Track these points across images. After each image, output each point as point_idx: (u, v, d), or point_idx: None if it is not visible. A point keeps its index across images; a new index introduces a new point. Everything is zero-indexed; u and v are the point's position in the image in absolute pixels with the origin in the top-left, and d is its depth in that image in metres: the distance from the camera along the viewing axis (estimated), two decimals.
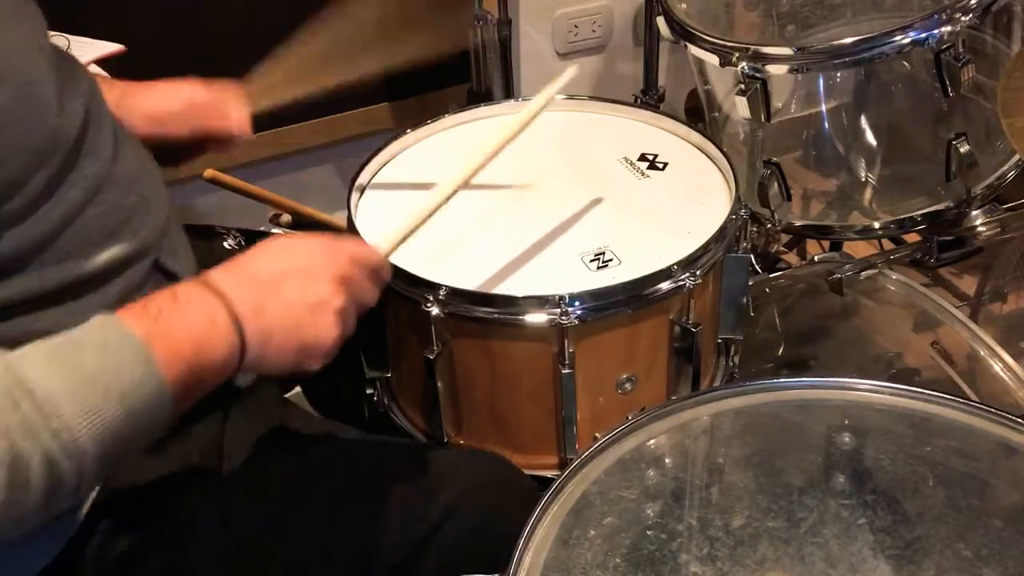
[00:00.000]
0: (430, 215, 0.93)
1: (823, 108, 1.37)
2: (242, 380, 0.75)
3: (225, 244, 1.20)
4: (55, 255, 0.76)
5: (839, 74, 1.31)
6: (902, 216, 1.36)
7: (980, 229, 1.43)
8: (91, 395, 0.62)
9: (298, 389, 1.29)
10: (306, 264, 0.77)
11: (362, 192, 1.17)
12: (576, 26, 2.08)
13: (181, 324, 0.69)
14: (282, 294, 0.74)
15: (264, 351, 0.73)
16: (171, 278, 0.87)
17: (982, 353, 1.34)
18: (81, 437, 0.62)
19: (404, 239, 0.90)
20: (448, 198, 0.95)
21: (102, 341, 0.65)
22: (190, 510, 0.87)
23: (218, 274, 0.73)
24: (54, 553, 0.79)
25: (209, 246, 1.15)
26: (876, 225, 1.39)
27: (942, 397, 0.88)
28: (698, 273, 1.01)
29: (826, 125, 1.39)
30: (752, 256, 1.40)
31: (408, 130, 1.26)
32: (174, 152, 1.02)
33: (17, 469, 0.59)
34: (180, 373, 0.67)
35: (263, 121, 1.12)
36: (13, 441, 0.59)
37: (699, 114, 1.53)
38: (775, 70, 1.24)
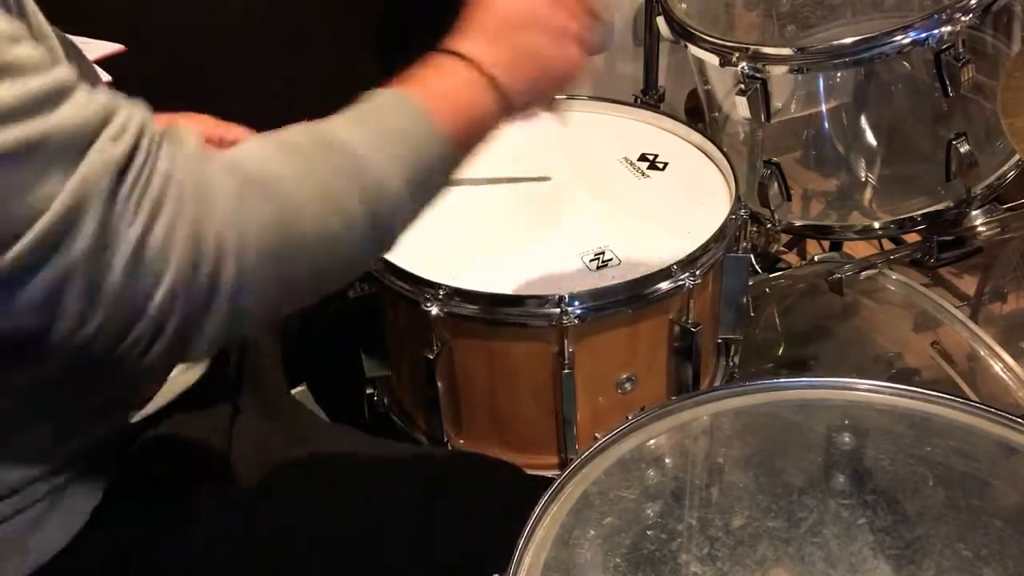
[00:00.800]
0: None
1: (823, 108, 1.37)
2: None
3: None
4: None
5: (839, 74, 1.31)
6: (902, 216, 1.36)
7: (980, 229, 1.43)
8: (395, 146, 0.69)
9: (303, 388, 1.29)
10: (541, 5, 0.81)
11: None
12: None
13: (447, 90, 0.74)
14: (526, 42, 0.79)
15: (525, 95, 0.79)
16: None
17: (982, 353, 1.34)
18: (394, 183, 0.68)
19: None
20: None
21: (392, 108, 0.72)
22: (198, 500, 0.88)
23: (467, 41, 0.77)
24: (65, 540, 0.80)
25: None
26: (876, 225, 1.38)
27: (942, 397, 0.88)
28: (698, 273, 1.01)
29: (826, 125, 1.39)
30: (752, 256, 1.40)
31: None
32: None
33: (345, 222, 0.65)
34: (457, 127, 0.73)
35: (263, 121, 1.12)
36: (357, 190, 0.66)
37: (699, 114, 1.53)
38: (775, 70, 1.24)
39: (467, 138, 0.75)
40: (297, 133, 0.68)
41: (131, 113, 0.61)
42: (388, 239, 0.72)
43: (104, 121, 0.59)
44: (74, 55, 0.79)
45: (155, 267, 0.58)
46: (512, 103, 0.78)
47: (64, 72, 0.59)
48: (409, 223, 0.73)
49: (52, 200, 0.56)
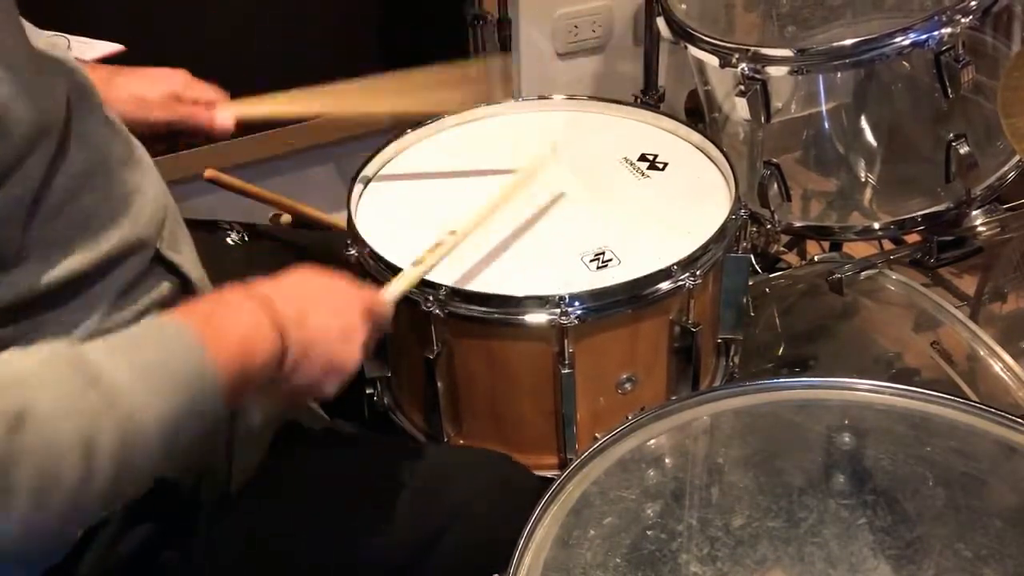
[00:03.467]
0: (428, 270, 0.98)
1: (823, 108, 1.37)
2: (255, 419, 0.78)
3: (228, 240, 1.20)
4: (56, 246, 0.76)
5: (839, 75, 1.31)
6: (902, 217, 1.36)
7: (980, 229, 1.43)
8: (155, 384, 0.64)
9: None
10: (339, 293, 0.82)
11: (362, 192, 1.17)
12: (576, 26, 2.08)
13: (229, 325, 0.71)
14: (320, 312, 0.78)
15: (300, 360, 0.75)
16: (173, 270, 0.87)
17: (982, 353, 1.34)
18: (146, 424, 0.63)
19: (405, 291, 0.95)
20: (447, 253, 0.99)
21: (161, 335, 0.68)
22: (197, 508, 0.88)
23: (260, 286, 0.76)
24: (66, 547, 0.79)
25: (212, 240, 1.15)
26: (876, 226, 1.39)
27: (942, 397, 0.88)
28: (698, 273, 1.01)
29: (826, 125, 1.39)
30: (752, 256, 1.40)
31: (408, 130, 1.26)
32: (151, 139, 1.02)
33: (88, 454, 0.60)
34: (230, 370, 0.69)
35: (263, 122, 1.12)
36: (83, 426, 0.60)
37: (699, 114, 1.53)
38: (775, 71, 1.24)
39: (238, 385, 0.70)
40: (58, 360, 0.63)
41: None
42: (127, 489, 0.65)
43: None
44: (63, 70, 0.79)
45: None
46: (290, 366, 0.74)
47: None
48: (157, 471, 0.67)
49: None
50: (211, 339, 0.69)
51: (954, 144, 1.25)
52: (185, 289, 0.89)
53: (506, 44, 1.93)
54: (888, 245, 1.59)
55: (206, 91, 1.09)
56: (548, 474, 1.06)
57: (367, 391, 1.17)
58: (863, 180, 1.40)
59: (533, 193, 1.17)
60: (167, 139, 1.08)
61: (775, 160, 1.34)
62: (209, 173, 1.29)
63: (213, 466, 0.90)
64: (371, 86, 1.17)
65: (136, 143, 0.90)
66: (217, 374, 0.68)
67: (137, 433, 0.62)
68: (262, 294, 0.75)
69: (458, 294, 0.99)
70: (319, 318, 0.77)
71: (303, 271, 0.82)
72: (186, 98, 1.07)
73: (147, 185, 0.87)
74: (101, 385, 0.61)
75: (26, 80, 0.70)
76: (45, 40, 0.78)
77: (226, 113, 1.08)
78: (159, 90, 1.05)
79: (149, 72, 1.07)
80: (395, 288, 0.93)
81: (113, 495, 0.63)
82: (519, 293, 0.98)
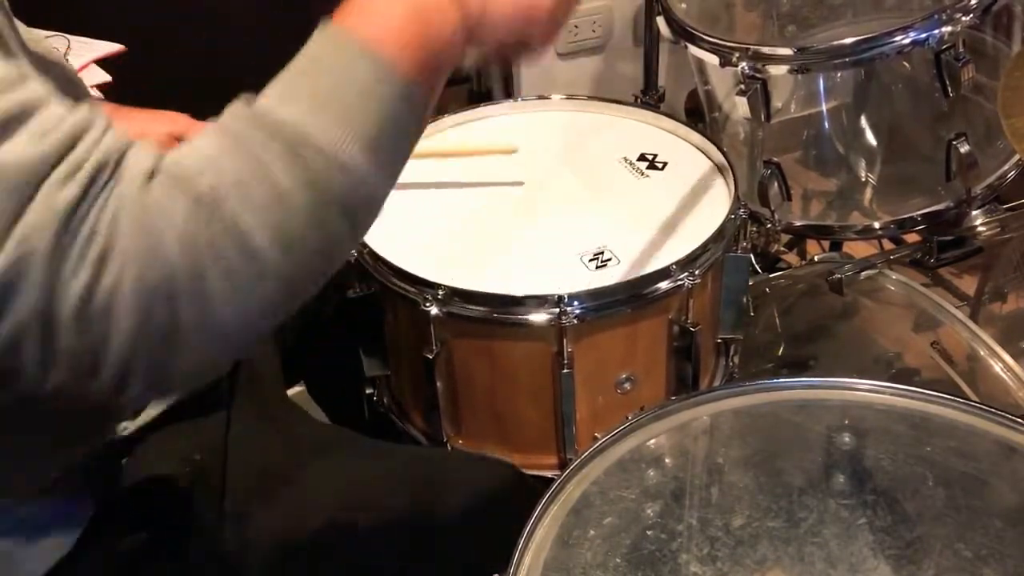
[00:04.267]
0: None
1: (823, 108, 1.37)
2: (468, 60, 0.72)
3: None
4: None
5: (839, 74, 1.31)
6: (902, 216, 1.36)
7: (980, 229, 1.43)
8: (344, 111, 0.61)
9: (301, 388, 1.29)
10: None
11: None
12: (576, 26, 2.08)
13: (396, 11, 0.65)
14: None
15: (485, 16, 0.68)
16: None
17: (982, 353, 1.34)
18: (346, 146, 0.61)
19: None
20: None
21: (331, 59, 0.64)
22: (193, 510, 0.87)
23: None
24: (60, 554, 0.79)
25: None
26: (876, 225, 1.38)
27: (942, 397, 0.88)
28: (697, 273, 1.01)
29: (826, 125, 1.39)
30: (752, 256, 1.40)
31: None
32: None
33: (322, 218, 0.60)
34: (414, 58, 0.64)
35: None
36: (307, 182, 0.59)
37: (699, 114, 1.53)
38: (775, 70, 1.24)
39: (430, 69, 0.66)
40: (240, 120, 0.62)
41: (99, 139, 0.57)
42: (365, 218, 0.65)
43: (61, 154, 0.55)
44: (54, 70, 0.77)
45: (104, 320, 0.55)
46: (475, 25, 0.68)
47: (29, 91, 0.56)
48: (387, 188, 0.66)
49: None
50: (383, 37, 0.63)
51: (954, 143, 1.25)
52: None
53: None
54: (888, 245, 1.59)
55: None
56: (548, 474, 1.06)
57: (367, 391, 1.17)
58: (863, 180, 1.40)
59: (534, 193, 1.17)
60: None
61: (775, 160, 1.33)
62: None
63: (208, 473, 0.90)
64: None
65: None
66: (403, 73, 0.63)
67: (350, 168, 0.61)
68: None
69: (458, 294, 0.99)
70: None
71: None
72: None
73: None
74: (282, 133, 0.60)
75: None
76: (42, 45, 0.77)
77: None
78: (161, 130, 1.03)
79: (151, 112, 1.05)
80: None
81: (359, 219, 0.64)
82: (519, 293, 0.98)
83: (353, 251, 1.07)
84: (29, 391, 0.58)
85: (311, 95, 0.62)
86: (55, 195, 0.54)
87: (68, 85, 0.78)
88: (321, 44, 0.65)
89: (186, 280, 0.56)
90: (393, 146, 0.65)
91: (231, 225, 0.58)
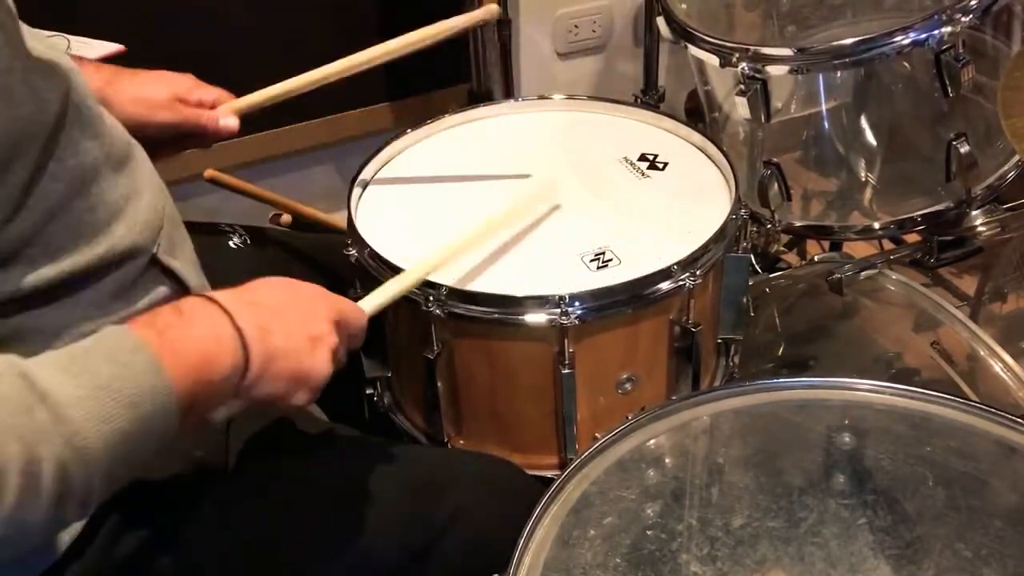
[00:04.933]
0: (412, 285, 0.97)
1: (823, 108, 1.37)
2: (220, 414, 0.76)
3: (230, 243, 1.20)
4: (46, 251, 0.75)
5: (839, 74, 1.31)
6: (902, 216, 1.36)
7: (980, 229, 1.43)
8: (104, 402, 0.62)
9: None
10: (307, 301, 0.80)
11: (362, 192, 1.17)
12: (576, 26, 2.08)
13: (187, 337, 0.69)
14: (285, 321, 0.76)
15: (263, 373, 0.73)
16: (170, 275, 0.87)
17: (982, 353, 1.34)
18: (93, 444, 0.61)
19: (384, 304, 0.93)
20: (432, 270, 0.99)
21: (114, 350, 0.66)
22: (194, 509, 0.87)
23: (222, 295, 0.74)
24: (59, 552, 0.79)
25: (214, 244, 1.15)
26: (876, 225, 1.38)
27: (942, 397, 0.88)
28: (698, 273, 1.01)
29: (826, 125, 1.39)
30: (752, 256, 1.40)
31: (408, 130, 1.26)
32: (155, 143, 1.02)
33: (30, 474, 0.59)
34: (187, 386, 0.67)
35: (263, 121, 1.12)
36: (27, 445, 0.58)
37: (699, 114, 1.53)
38: (775, 71, 1.24)
39: (196, 400, 0.68)
40: (5, 376, 0.61)
41: None
42: (72, 510, 0.63)
43: None
44: (53, 71, 0.77)
45: None
46: (253, 378, 0.72)
47: None
48: (104, 493, 0.65)
49: None
50: (167, 354, 0.66)
51: (954, 143, 1.25)
52: (183, 293, 0.88)
53: (506, 44, 1.93)
54: (888, 245, 1.59)
55: (211, 93, 1.07)
56: (548, 474, 1.06)
57: (367, 391, 1.17)
58: (863, 180, 1.40)
59: (533, 194, 1.17)
60: (172, 143, 1.06)
61: (775, 160, 1.34)
62: (209, 173, 1.29)
63: (209, 469, 0.90)
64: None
65: (135, 146, 0.89)
66: (171, 392, 0.66)
67: (83, 452, 0.61)
68: (224, 303, 0.72)
69: (458, 294, 0.99)
70: (284, 327, 0.75)
71: (269, 279, 0.80)
72: (191, 100, 1.05)
73: (144, 190, 0.86)
74: (47, 403, 0.60)
75: (9, 86, 0.70)
76: (44, 43, 0.77)
77: (228, 111, 1.07)
78: (164, 91, 1.03)
79: (154, 74, 1.05)
80: (373, 300, 0.91)
81: (57, 514, 0.61)
82: (519, 293, 0.98)
83: (354, 251, 1.07)
84: None
85: (89, 382, 0.63)
86: None
87: (70, 95, 0.78)
88: (116, 341, 0.67)
89: None
90: (136, 457, 0.66)
91: None
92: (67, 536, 0.80)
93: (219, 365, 0.70)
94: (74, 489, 0.61)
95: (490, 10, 1.24)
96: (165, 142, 1.04)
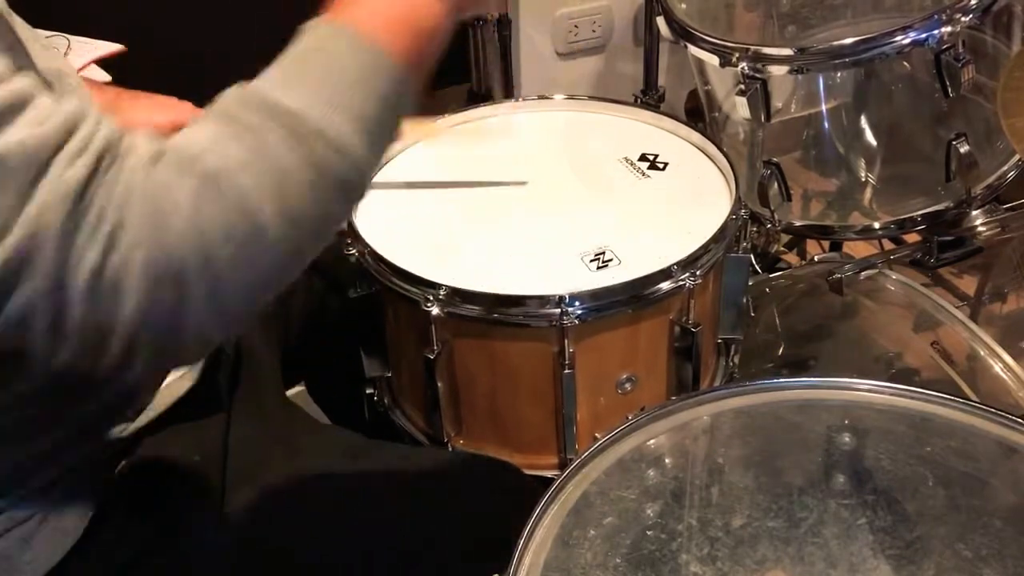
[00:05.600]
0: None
1: (823, 108, 1.37)
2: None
3: None
4: None
5: (839, 74, 1.31)
6: (902, 216, 1.36)
7: (980, 229, 1.43)
8: (331, 91, 0.64)
9: (301, 389, 1.29)
10: None
11: None
12: (576, 26, 2.08)
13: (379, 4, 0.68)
14: None
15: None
16: None
17: (982, 353, 1.34)
18: (343, 128, 0.63)
19: None
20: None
21: (328, 45, 0.66)
22: (193, 512, 0.87)
23: None
24: (58, 556, 0.79)
25: None
26: (876, 225, 1.38)
27: (942, 397, 0.88)
28: (698, 273, 1.01)
29: (826, 125, 1.39)
30: (752, 256, 1.40)
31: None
32: None
33: (322, 181, 0.62)
34: (401, 44, 0.67)
35: None
36: (309, 163, 0.61)
37: (699, 114, 1.53)
38: (775, 70, 1.24)
39: (419, 54, 0.69)
40: (240, 105, 0.64)
41: (95, 126, 0.59)
42: (358, 195, 0.68)
43: (64, 137, 0.57)
44: (49, 61, 0.77)
45: (114, 296, 0.57)
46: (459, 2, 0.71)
47: (22, 83, 0.57)
48: (376, 167, 0.69)
49: (6, 230, 0.55)
50: (373, 23, 0.67)
51: (954, 143, 1.25)
52: None
53: (506, 44, 1.93)
54: (888, 245, 1.59)
55: None
56: (548, 474, 1.06)
57: (367, 391, 1.17)
58: (863, 180, 1.40)
59: (534, 193, 1.17)
60: None
61: (775, 160, 1.34)
62: None
63: (209, 470, 0.90)
64: None
65: None
66: (395, 57, 0.66)
67: (343, 144, 0.63)
68: None
69: (458, 294, 0.99)
70: None
71: None
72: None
73: None
74: (283, 117, 0.62)
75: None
76: (47, 52, 0.77)
77: None
78: (167, 117, 1.03)
79: (155, 98, 1.05)
80: None
81: (347, 197, 0.66)
82: (520, 293, 0.98)
83: (354, 251, 1.07)
84: (38, 367, 0.60)
85: (309, 81, 0.64)
86: (63, 175, 0.56)
87: (62, 77, 0.78)
88: (315, 34, 0.67)
89: (194, 258, 0.58)
90: (384, 130, 0.67)
91: (239, 202, 0.60)
92: (70, 536, 0.80)
93: (423, 9, 0.69)
94: (349, 185, 0.65)
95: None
96: None
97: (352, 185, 0.66)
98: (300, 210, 0.63)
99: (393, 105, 0.67)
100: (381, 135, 0.67)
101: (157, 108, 1.04)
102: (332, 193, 0.65)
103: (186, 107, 1.06)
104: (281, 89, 0.64)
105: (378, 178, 1.19)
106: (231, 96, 0.65)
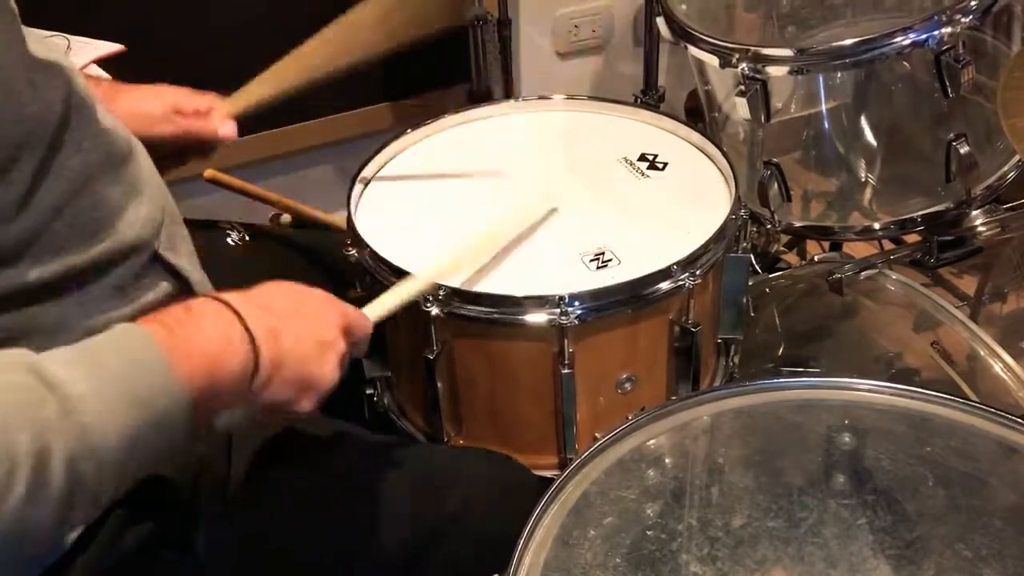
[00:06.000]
0: (415, 294, 0.97)
1: (823, 108, 1.37)
2: (223, 420, 0.74)
3: (228, 240, 1.20)
4: (50, 247, 0.76)
5: (839, 75, 1.31)
6: (902, 216, 1.36)
7: (980, 229, 1.43)
8: (115, 397, 0.62)
9: None
10: (316, 307, 0.80)
11: (362, 192, 1.17)
12: (576, 26, 2.08)
13: (198, 336, 0.69)
14: (295, 326, 0.76)
15: (272, 377, 0.73)
16: (171, 271, 0.87)
17: (982, 353, 1.34)
18: (103, 439, 0.61)
19: (388, 313, 0.93)
20: (435, 279, 0.99)
21: (124, 346, 0.65)
22: (197, 508, 0.87)
23: (232, 297, 0.73)
24: (63, 549, 0.79)
25: (213, 241, 1.15)
26: (876, 226, 1.39)
27: (942, 397, 0.88)
28: (698, 273, 1.01)
29: (826, 125, 1.39)
30: (752, 256, 1.40)
31: (408, 130, 1.26)
32: (157, 156, 1.02)
33: (41, 465, 0.58)
34: (197, 384, 0.67)
35: (263, 121, 1.12)
36: (36, 436, 0.58)
37: (699, 114, 1.53)
38: (775, 71, 1.24)
39: (205, 400, 0.67)
40: (16, 368, 0.60)
41: None
42: (82, 507, 0.62)
43: None
44: (53, 72, 0.77)
45: None
46: (261, 382, 0.72)
47: None
48: (113, 491, 0.64)
49: None
50: (178, 352, 0.66)
51: (954, 144, 1.25)
52: (185, 289, 0.89)
53: (506, 44, 1.93)
54: (888, 245, 1.59)
55: (206, 101, 1.07)
56: (548, 474, 1.06)
57: (367, 391, 1.17)
58: (863, 180, 1.40)
59: (533, 193, 1.17)
60: (174, 156, 1.06)
61: (775, 160, 1.34)
62: (209, 173, 1.29)
63: (213, 466, 0.90)
64: (342, 31, 1.13)
65: (135, 143, 0.89)
66: (182, 390, 0.65)
67: (94, 447, 0.60)
68: (234, 305, 0.72)
69: (458, 294, 0.99)
70: (293, 332, 0.75)
71: (279, 284, 0.79)
72: (187, 110, 1.05)
73: (145, 187, 0.86)
74: (57, 395, 0.60)
75: (14, 86, 0.70)
76: (44, 43, 0.77)
77: (224, 116, 1.07)
78: (161, 104, 1.04)
79: (149, 87, 1.06)
80: (377, 307, 0.91)
81: (66, 511, 0.60)
82: (519, 293, 0.98)
83: (354, 251, 1.07)
84: None
85: (100, 376, 0.62)
86: None
87: (71, 96, 0.78)
88: (126, 338, 0.66)
89: None
90: (147, 454, 0.65)
91: None
92: (72, 532, 0.80)
93: (229, 365, 0.70)
94: (85, 485, 0.60)
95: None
96: (166, 155, 1.04)
97: (82, 494, 0.61)
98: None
99: (162, 437, 0.65)
100: (134, 460, 0.63)
101: (152, 97, 1.05)
102: (64, 495, 0.59)
103: (179, 90, 1.07)
104: (66, 370, 0.61)
105: (378, 178, 1.21)
106: (12, 357, 0.62)
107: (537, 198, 1.13)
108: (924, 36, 1.17)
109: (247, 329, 0.71)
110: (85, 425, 0.60)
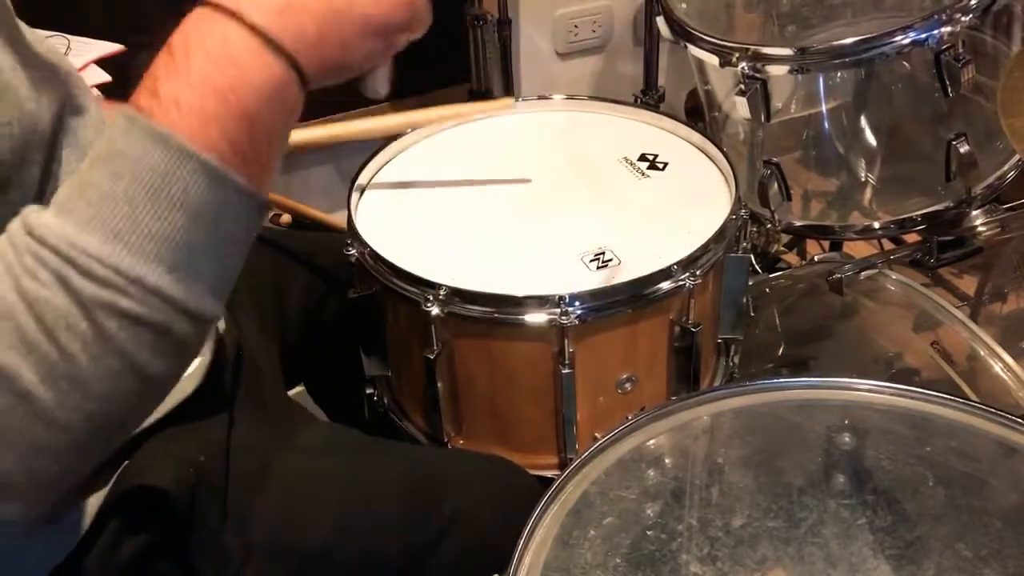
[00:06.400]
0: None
1: (823, 108, 1.37)
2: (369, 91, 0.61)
3: None
4: None
5: (839, 74, 1.31)
6: (902, 216, 1.36)
7: (980, 229, 1.43)
8: (116, 216, 0.53)
9: (301, 388, 1.30)
10: None
11: (362, 192, 1.17)
12: (576, 26, 2.08)
13: (188, 80, 0.55)
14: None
15: (322, 50, 0.58)
16: None
17: (982, 353, 1.34)
18: (133, 268, 0.53)
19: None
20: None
21: (108, 150, 0.55)
22: (196, 512, 0.87)
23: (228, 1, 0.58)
24: (61, 556, 0.79)
25: None
26: (876, 225, 1.39)
27: (942, 397, 0.88)
28: (698, 273, 1.01)
29: (826, 125, 1.39)
30: (752, 256, 1.40)
31: (408, 130, 1.26)
32: None
33: (105, 339, 0.53)
34: (216, 131, 0.55)
35: None
36: (81, 316, 0.52)
37: (699, 114, 1.53)
38: (775, 71, 1.24)
39: (242, 144, 0.56)
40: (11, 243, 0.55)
41: None
42: (186, 345, 0.57)
43: None
44: (53, 73, 0.75)
45: None
46: (315, 66, 0.58)
47: None
48: (212, 311, 0.57)
49: None
50: (170, 109, 0.54)
51: (954, 143, 1.25)
52: None
53: (506, 44, 1.93)
54: (888, 245, 1.59)
55: None
56: (548, 474, 1.06)
57: (367, 391, 1.17)
58: (863, 180, 1.40)
59: (533, 193, 1.17)
60: None
61: (775, 160, 1.34)
62: None
63: (210, 476, 0.90)
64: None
65: None
66: (196, 152, 0.54)
67: (130, 285, 0.53)
68: (225, 4, 0.58)
69: (458, 294, 0.99)
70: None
71: None
72: None
73: None
74: (65, 257, 0.53)
75: (14, 85, 0.70)
76: (43, 44, 0.77)
77: None
78: None
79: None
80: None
81: (171, 354, 0.55)
82: (519, 293, 0.98)
83: (354, 251, 1.07)
84: None
85: (105, 207, 0.54)
86: None
87: (69, 98, 0.78)
88: (118, 140, 0.55)
89: None
90: (202, 247, 0.55)
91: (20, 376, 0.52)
92: (73, 535, 0.80)
93: (247, 88, 0.56)
94: (158, 322, 0.54)
95: (507, 103, 1.31)
96: None
97: (178, 336, 0.56)
98: (73, 375, 0.53)
99: (223, 214, 0.56)
100: (195, 256, 0.55)
101: None
102: (112, 357, 0.54)
103: None
104: (62, 216, 0.54)
105: (378, 178, 1.21)
106: (10, 229, 0.56)
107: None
108: (924, 35, 1.17)
109: (250, 27, 0.57)
110: (106, 272, 0.53)
